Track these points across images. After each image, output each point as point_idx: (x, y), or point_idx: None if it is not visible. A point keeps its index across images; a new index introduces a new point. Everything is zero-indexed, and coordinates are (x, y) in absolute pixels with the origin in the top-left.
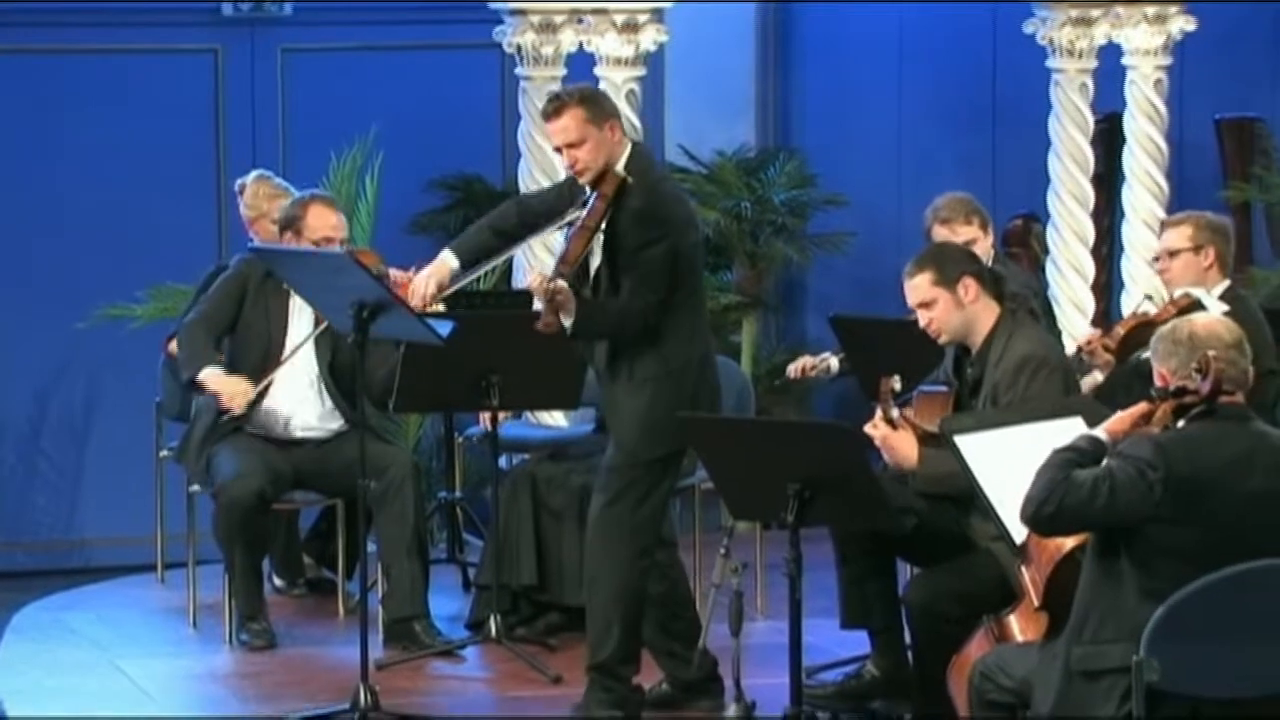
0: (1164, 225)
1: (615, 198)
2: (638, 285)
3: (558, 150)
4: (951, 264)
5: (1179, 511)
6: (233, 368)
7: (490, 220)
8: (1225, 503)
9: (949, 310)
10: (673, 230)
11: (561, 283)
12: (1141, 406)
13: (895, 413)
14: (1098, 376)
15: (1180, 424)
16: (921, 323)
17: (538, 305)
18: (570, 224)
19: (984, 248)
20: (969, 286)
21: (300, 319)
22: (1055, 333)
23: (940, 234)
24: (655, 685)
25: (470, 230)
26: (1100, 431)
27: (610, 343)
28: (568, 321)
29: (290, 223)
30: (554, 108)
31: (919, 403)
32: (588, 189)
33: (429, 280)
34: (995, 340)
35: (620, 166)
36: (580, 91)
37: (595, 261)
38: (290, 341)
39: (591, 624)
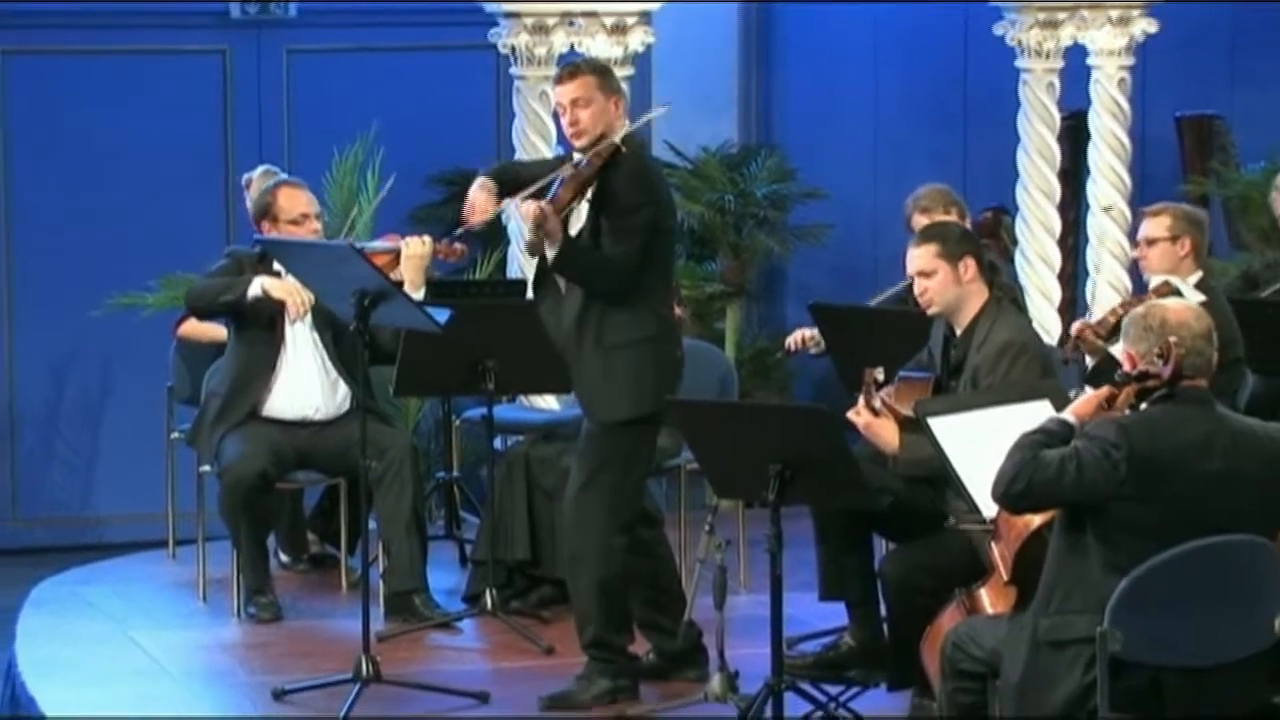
0: (1144, 215)
1: (607, 162)
2: (619, 241)
3: (559, 114)
4: (957, 242)
5: (1141, 490)
6: (238, 352)
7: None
8: (1185, 482)
9: (946, 284)
10: (656, 203)
11: (549, 207)
12: (1104, 390)
13: (878, 401)
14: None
15: (1143, 406)
16: (916, 290)
17: (527, 232)
18: (561, 178)
19: None
20: (969, 266)
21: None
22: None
23: (920, 222)
24: (643, 655)
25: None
26: (1068, 414)
27: (579, 308)
28: (551, 251)
29: (264, 210)
30: (569, 71)
31: (900, 388)
32: (579, 157)
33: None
34: (980, 323)
35: (618, 139)
36: (595, 62)
37: (577, 226)
38: (286, 324)
39: (577, 602)
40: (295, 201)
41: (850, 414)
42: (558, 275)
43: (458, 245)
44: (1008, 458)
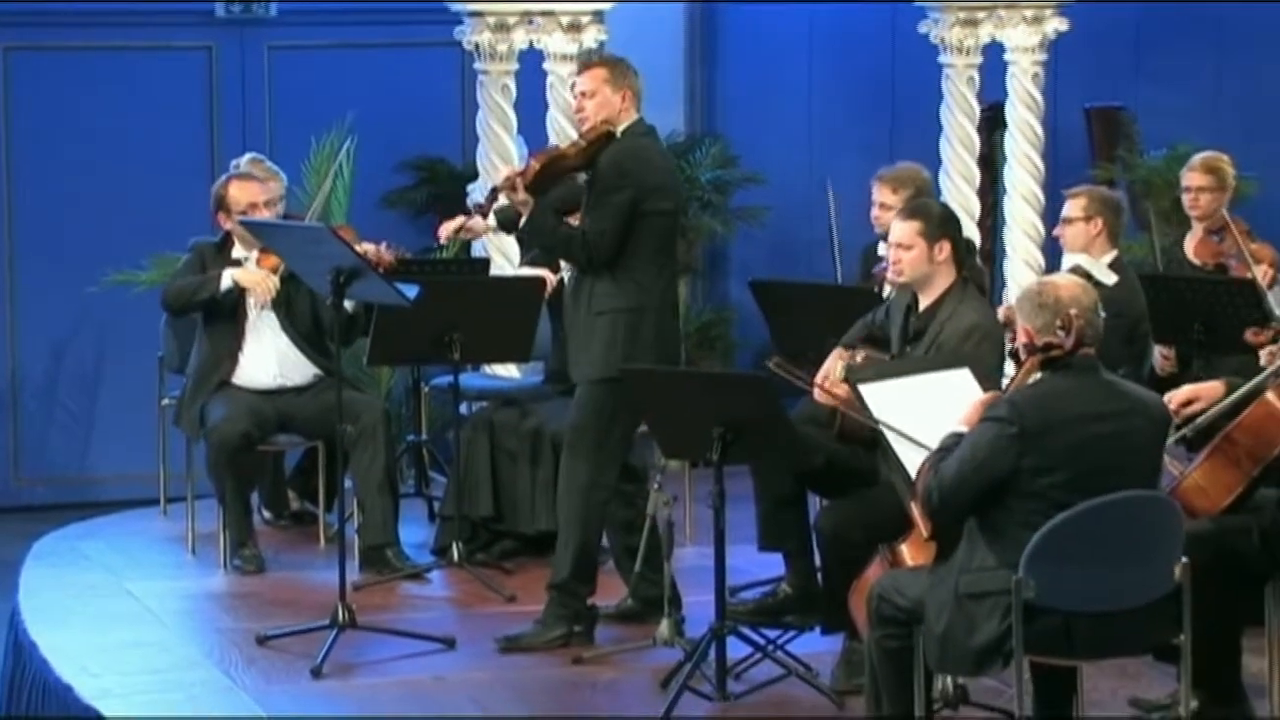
0: (1066, 196)
1: (596, 145)
2: (594, 218)
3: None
4: (939, 224)
5: (1041, 458)
6: (206, 335)
7: None
8: (1083, 446)
9: (920, 260)
10: (639, 186)
11: (515, 178)
12: (988, 396)
13: (843, 390)
14: None
15: (1038, 375)
16: (890, 259)
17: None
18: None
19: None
20: (944, 248)
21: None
22: None
23: (884, 196)
24: (621, 601)
25: None
26: (961, 427)
27: (577, 276)
28: (523, 219)
29: (218, 203)
30: (584, 64)
31: (863, 360)
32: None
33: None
34: (946, 302)
35: (620, 131)
36: (610, 57)
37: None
38: (249, 301)
39: (559, 547)
40: (245, 192)
41: (817, 395)
42: (528, 239)
43: (387, 254)
44: (918, 481)
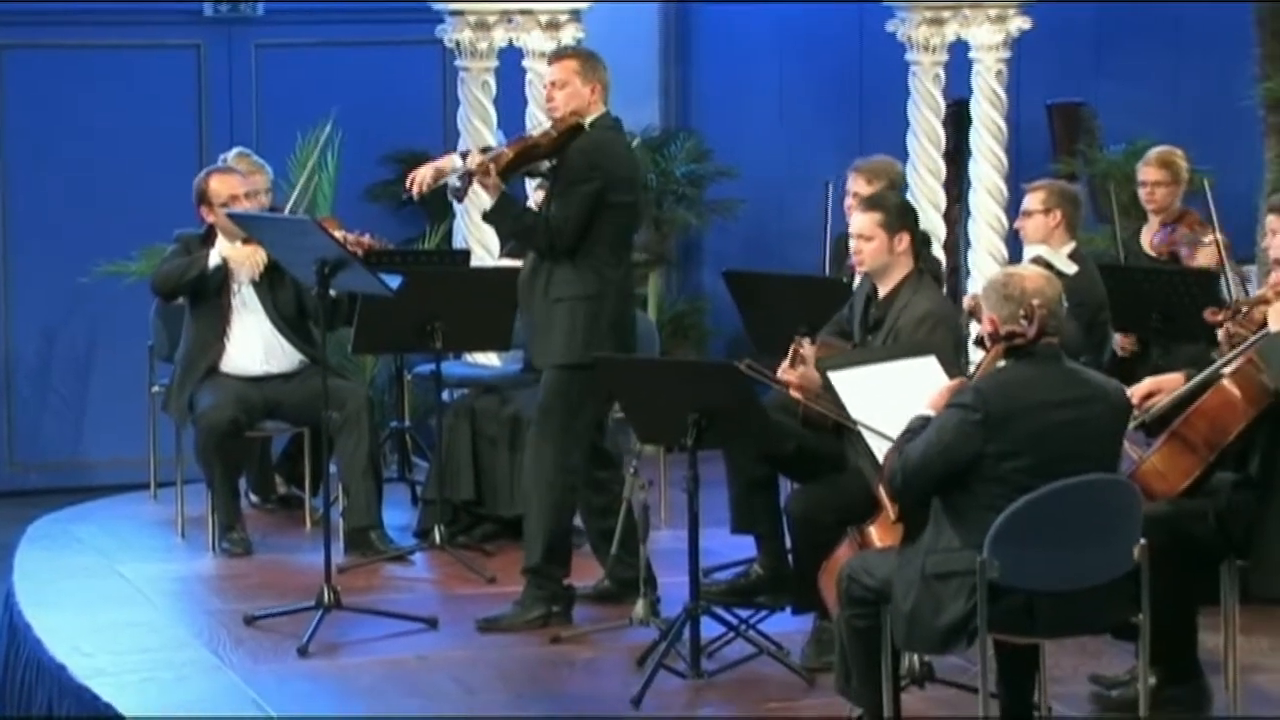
0: (1026, 190)
1: (565, 135)
2: (559, 206)
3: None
4: (899, 217)
5: (1004, 444)
6: (193, 323)
7: None
8: (1045, 432)
9: (879, 251)
10: (605, 179)
11: (489, 163)
12: (955, 382)
13: (800, 365)
14: None
15: (1002, 363)
16: (853, 249)
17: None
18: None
19: None
20: (903, 240)
21: (238, 270)
22: None
23: (859, 186)
24: (599, 581)
25: None
26: (928, 411)
27: (534, 261)
28: (487, 204)
29: (200, 196)
30: (556, 54)
31: (819, 349)
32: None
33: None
34: (903, 291)
35: (588, 123)
36: (582, 50)
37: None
38: (233, 285)
39: (528, 532)
40: (225, 185)
41: (780, 374)
42: (490, 225)
43: (366, 239)
44: (885, 461)
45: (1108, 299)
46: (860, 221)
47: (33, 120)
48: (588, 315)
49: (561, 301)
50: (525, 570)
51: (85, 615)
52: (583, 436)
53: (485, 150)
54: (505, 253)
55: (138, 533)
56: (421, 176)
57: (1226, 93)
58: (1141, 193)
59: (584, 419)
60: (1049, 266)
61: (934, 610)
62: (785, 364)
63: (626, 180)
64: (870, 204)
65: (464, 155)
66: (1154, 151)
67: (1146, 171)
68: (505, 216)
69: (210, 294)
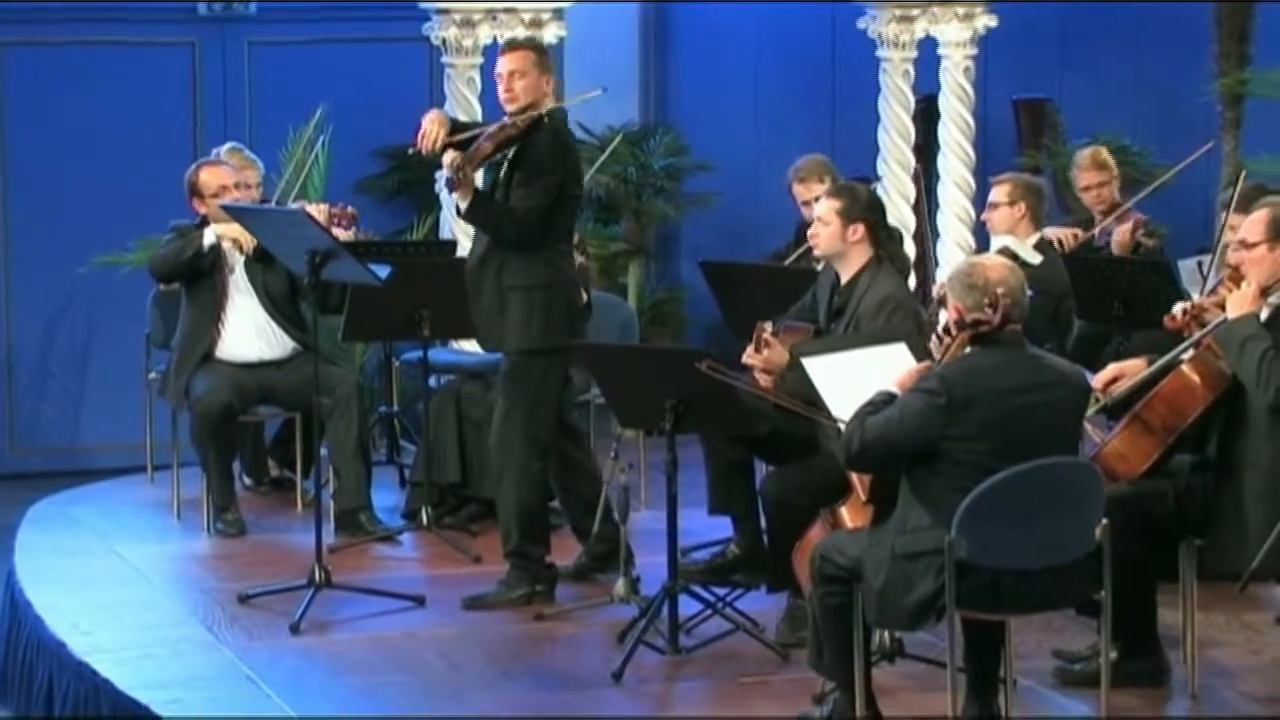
0: (992, 183)
1: (529, 128)
2: (528, 197)
3: (498, 81)
4: (857, 206)
5: (967, 428)
6: (188, 310)
7: None
8: (1009, 416)
9: (834, 237)
10: (565, 173)
11: (467, 156)
12: (922, 365)
13: (765, 349)
14: None
15: (968, 350)
16: (810, 232)
17: (446, 171)
18: (486, 133)
19: None
20: (858, 230)
21: (233, 254)
22: None
23: (798, 191)
24: (577, 558)
25: None
26: (893, 387)
27: (485, 248)
28: (464, 203)
29: (191, 189)
30: (511, 45)
31: (784, 335)
32: (508, 120)
33: (434, 122)
34: (862, 278)
35: (544, 114)
36: (536, 42)
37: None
38: (227, 265)
39: (502, 516)
40: (215, 177)
41: (745, 358)
42: (465, 221)
43: (349, 209)
44: (846, 429)
45: (1071, 288)
46: (822, 206)
47: (33, 116)
48: (542, 305)
49: (515, 289)
50: (507, 554)
51: (84, 594)
52: (546, 419)
53: (458, 144)
54: None
55: (135, 514)
56: (435, 135)
57: (1185, 89)
58: (1086, 197)
59: (546, 402)
60: (1014, 257)
61: (904, 588)
62: (750, 349)
63: (579, 174)
64: (836, 192)
65: (445, 147)
66: (1084, 155)
67: (1086, 176)
68: (482, 212)
69: (205, 275)
